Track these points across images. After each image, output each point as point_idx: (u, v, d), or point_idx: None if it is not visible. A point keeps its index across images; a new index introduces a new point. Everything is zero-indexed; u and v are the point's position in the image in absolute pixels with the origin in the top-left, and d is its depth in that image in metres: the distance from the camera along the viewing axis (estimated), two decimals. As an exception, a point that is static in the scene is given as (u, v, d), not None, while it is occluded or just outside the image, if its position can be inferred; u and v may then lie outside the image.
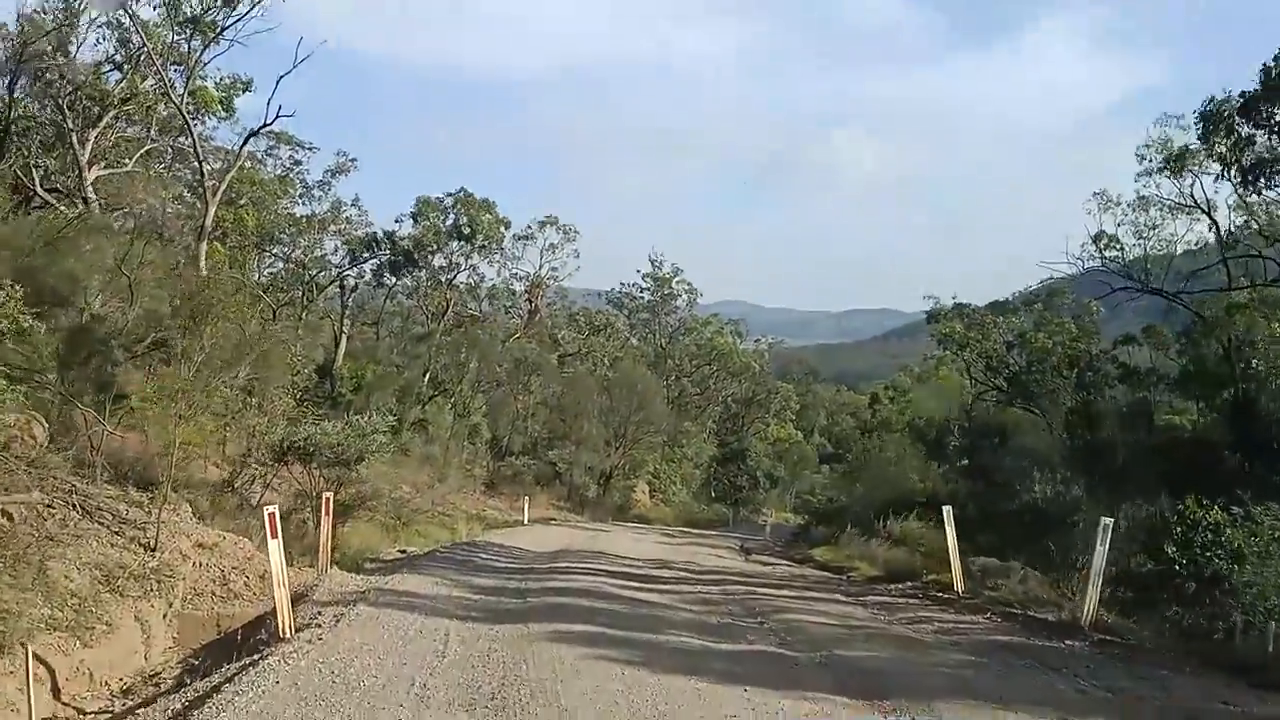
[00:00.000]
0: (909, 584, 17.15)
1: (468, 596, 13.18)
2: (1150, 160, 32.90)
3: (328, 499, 14.94)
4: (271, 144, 47.82)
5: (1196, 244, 33.52)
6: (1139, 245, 34.92)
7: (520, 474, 45.38)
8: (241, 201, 46.04)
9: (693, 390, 76.75)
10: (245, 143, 42.84)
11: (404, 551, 23.40)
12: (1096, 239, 35.23)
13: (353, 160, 48.00)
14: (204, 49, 40.69)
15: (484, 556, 18.98)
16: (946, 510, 14.92)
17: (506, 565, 17.39)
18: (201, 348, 18.34)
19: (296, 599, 11.79)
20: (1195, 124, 28.81)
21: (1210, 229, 32.31)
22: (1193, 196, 31.48)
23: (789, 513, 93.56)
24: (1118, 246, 35.05)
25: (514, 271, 56.57)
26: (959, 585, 15.54)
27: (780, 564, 23.16)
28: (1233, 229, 31.73)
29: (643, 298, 76.07)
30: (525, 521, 36.80)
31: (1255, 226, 30.70)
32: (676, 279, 75.41)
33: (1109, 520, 11.54)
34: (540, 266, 57.98)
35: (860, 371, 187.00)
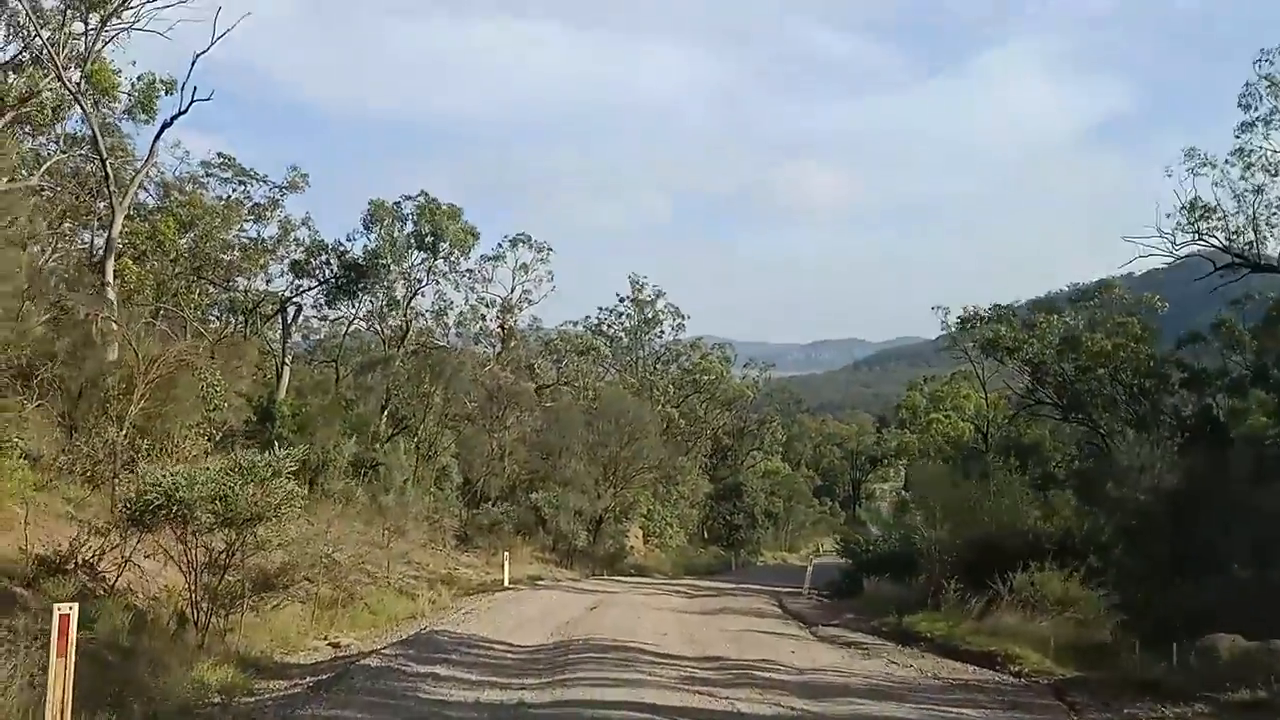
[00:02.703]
0: (1200, 706, 10.27)
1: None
2: (1262, 105, 27.18)
3: (64, 619, 8.08)
4: (217, 169, 41.70)
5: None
6: (1241, 213, 28.98)
7: (498, 523, 38.38)
8: (169, 211, 39.81)
9: (681, 422, 70.13)
10: (160, 134, 36.41)
11: (336, 645, 16.58)
12: (1191, 207, 29.26)
13: (304, 175, 41.66)
14: (103, 23, 34.36)
15: (443, 670, 12.05)
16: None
17: (476, 702, 10.39)
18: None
19: None
20: None
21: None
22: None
23: (784, 552, 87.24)
24: (1219, 215, 29.06)
25: (483, 296, 50.25)
26: None
27: (875, 644, 16.46)
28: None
29: (623, 323, 69.74)
30: (506, 583, 29.95)
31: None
32: (660, 301, 69.25)
33: None
34: (512, 289, 51.71)
35: (834, 402, 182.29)
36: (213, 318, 44.43)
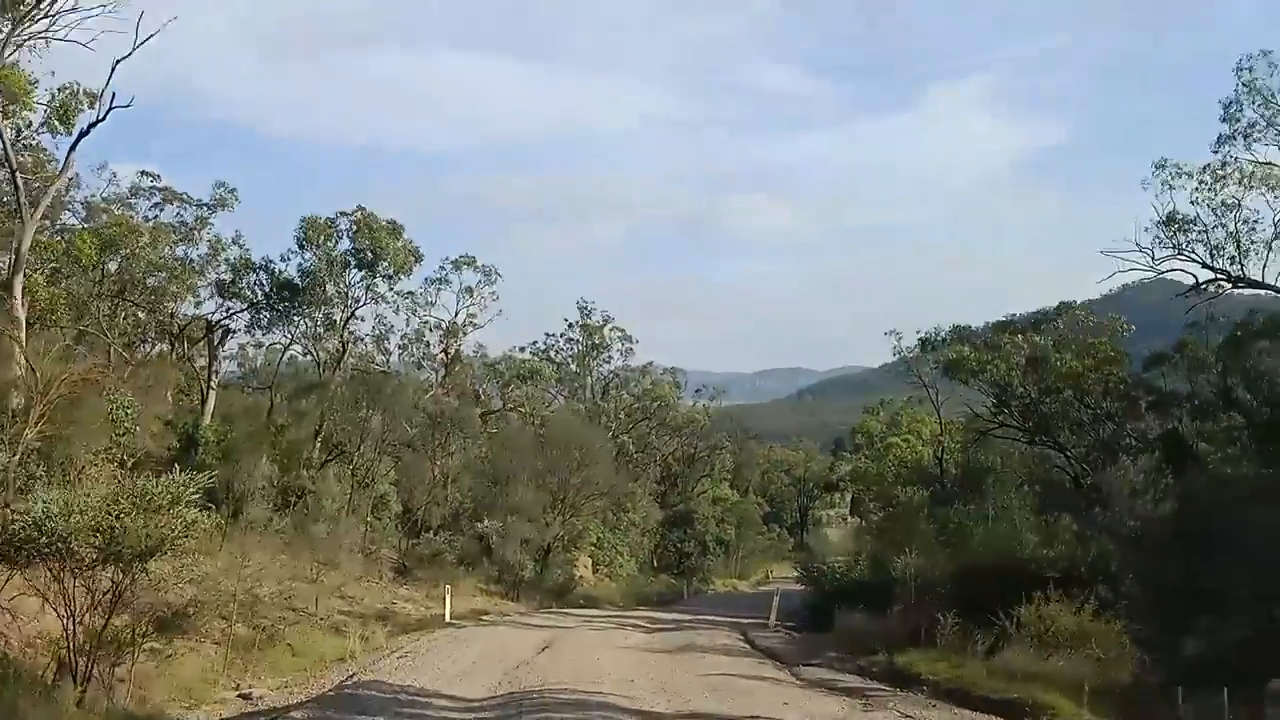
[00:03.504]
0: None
1: None
2: (1244, 116, 26.34)
3: None
4: (145, 192, 39.41)
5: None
6: (1220, 226, 28.10)
7: (440, 554, 36.09)
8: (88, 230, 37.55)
9: (631, 448, 68.22)
10: (76, 144, 33.85)
11: (247, 697, 14.37)
12: (1168, 221, 28.32)
13: (232, 191, 39.37)
14: (14, 27, 31.93)
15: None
16: None
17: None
18: None
19: None
20: None
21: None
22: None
23: (735, 579, 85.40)
24: (1199, 228, 28.15)
25: (426, 319, 48.16)
26: None
27: (872, 690, 14.61)
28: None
29: (571, 349, 67.73)
30: (448, 618, 27.74)
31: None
32: (608, 327, 67.37)
33: None
34: (456, 312, 49.51)
35: (779, 430, 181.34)
36: (142, 342, 42.08)
